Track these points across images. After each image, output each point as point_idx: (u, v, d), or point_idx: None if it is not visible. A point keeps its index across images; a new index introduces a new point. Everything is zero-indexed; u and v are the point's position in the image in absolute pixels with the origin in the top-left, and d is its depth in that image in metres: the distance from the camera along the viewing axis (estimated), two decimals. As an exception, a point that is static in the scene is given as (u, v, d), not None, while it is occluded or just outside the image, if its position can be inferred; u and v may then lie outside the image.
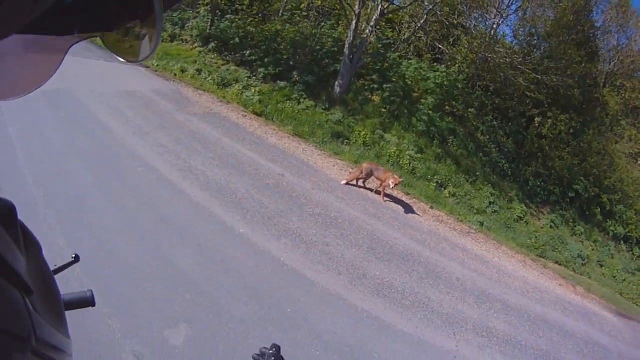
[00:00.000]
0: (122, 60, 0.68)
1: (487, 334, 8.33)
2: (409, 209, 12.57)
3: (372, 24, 17.31)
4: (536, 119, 19.44)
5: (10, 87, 0.63)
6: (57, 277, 0.81)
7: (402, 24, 20.62)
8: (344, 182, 12.60)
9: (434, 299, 8.63)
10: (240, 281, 6.92)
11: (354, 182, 12.66)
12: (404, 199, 13.23)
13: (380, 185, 12.43)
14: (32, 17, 0.44)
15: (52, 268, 0.83)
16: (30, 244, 0.62)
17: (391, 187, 12.15)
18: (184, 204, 8.66)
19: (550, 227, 17.14)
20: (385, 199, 12.50)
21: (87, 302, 1.40)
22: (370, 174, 12.40)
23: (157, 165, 9.86)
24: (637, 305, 14.65)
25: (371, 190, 12.67)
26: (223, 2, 21.05)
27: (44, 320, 0.56)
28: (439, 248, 11.02)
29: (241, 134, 13.36)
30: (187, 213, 8.37)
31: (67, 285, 1.18)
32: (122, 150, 10.14)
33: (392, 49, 19.21)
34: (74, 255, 1.41)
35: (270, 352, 1.73)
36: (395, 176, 12.27)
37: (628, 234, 19.08)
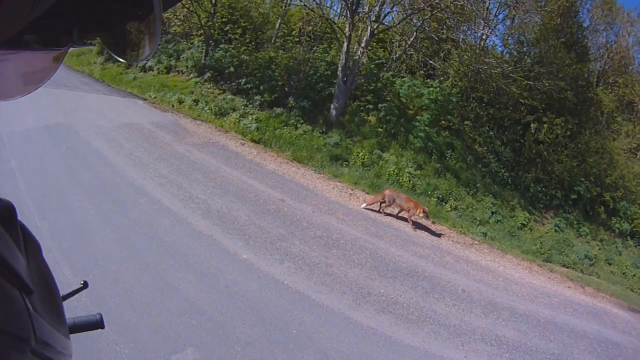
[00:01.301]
0: (121, 60, 0.69)
1: (496, 342, 8.33)
2: (434, 234, 12.50)
3: (363, 45, 17.54)
4: (532, 125, 19.45)
5: (10, 88, 0.62)
6: (64, 303, 0.83)
7: (393, 42, 20.75)
8: (364, 205, 12.75)
9: (440, 312, 8.66)
10: (245, 305, 7.01)
11: (373, 207, 12.74)
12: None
13: (405, 213, 12.42)
14: (32, 16, 0.46)
15: (61, 294, 0.85)
16: (30, 244, 0.66)
17: (424, 218, 12.18)
18: (186, 232, 8.80)
19: (555, 231, 17.11)
20: (414, 227, 12.44)
21: (96, 324, 1.42)
22: (392, 201, 12.41)
23: (159, 195, 10.03)
24: (648, 299, 14.57)
25: (392, 215, 12.70)
26: (216, 32, 21.39)
27: (43, 320, 0.58)
28: (442, 262, 11.04)
29: (240, 162, 13.52)
30: (189, 241, 8.50)
31: (75, 313, 1.24)
32: (123, 182, 10.34)
33: (385, 69, 19.46)
34: (82, 282, 1.46)
35: None
36: (423, 206, 12.28)
37: (634, 229, 18.91)
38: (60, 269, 6.44)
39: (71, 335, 0.79)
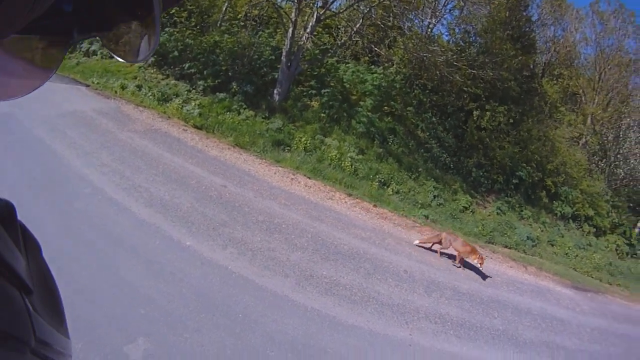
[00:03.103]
0: (121, 60, 0.68)
1: (440, 320, 8.62)
2: (484, 276, 11.66)
3: (308, 30, 17.46)
4: (474, 112, 19.94)
5: (10, 87, 0.61)
6: None
7: (339, 28, 20.80)
8: (417, 242, 12.10)
9: (383, 292, 8.85)
10: (191, 292, 7.01)
11: (427, 246, 12.07)
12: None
13: (458, 254, 11.62)
14: (31, 16, 0.45)
15: None
16: (30, 245, 0.66)
17: (479, 266, 11.39)
18: (131, 221, 8.64)
19: (497, 213, 17.66)
20: (460, 265, 11.69)
21: None
22: (449, 244, 11.70)
23: (102, 185, 9.76)
24: (591, 277, 15.35)
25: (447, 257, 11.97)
26: (161, 15, 20.79)
27: (43, 320, 0.58)
28: (384, 244, 11.25)
29: (182, 149, 13.30)
30: (134, 230, 8.37)
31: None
32: (68, 172, 10.01)
33: (329, 54, 19.52)
34: None
35: None
36: (479, 253, 11.64)
37: (576, 213, 19.86)
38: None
39: None
